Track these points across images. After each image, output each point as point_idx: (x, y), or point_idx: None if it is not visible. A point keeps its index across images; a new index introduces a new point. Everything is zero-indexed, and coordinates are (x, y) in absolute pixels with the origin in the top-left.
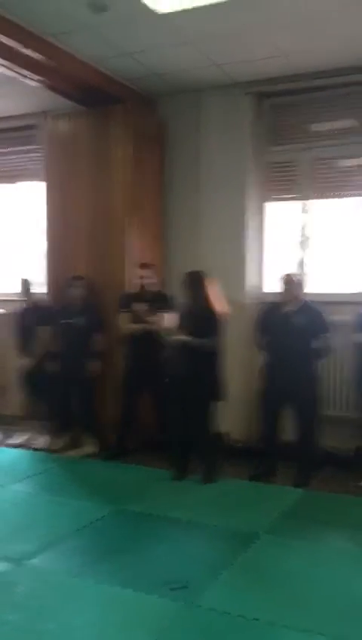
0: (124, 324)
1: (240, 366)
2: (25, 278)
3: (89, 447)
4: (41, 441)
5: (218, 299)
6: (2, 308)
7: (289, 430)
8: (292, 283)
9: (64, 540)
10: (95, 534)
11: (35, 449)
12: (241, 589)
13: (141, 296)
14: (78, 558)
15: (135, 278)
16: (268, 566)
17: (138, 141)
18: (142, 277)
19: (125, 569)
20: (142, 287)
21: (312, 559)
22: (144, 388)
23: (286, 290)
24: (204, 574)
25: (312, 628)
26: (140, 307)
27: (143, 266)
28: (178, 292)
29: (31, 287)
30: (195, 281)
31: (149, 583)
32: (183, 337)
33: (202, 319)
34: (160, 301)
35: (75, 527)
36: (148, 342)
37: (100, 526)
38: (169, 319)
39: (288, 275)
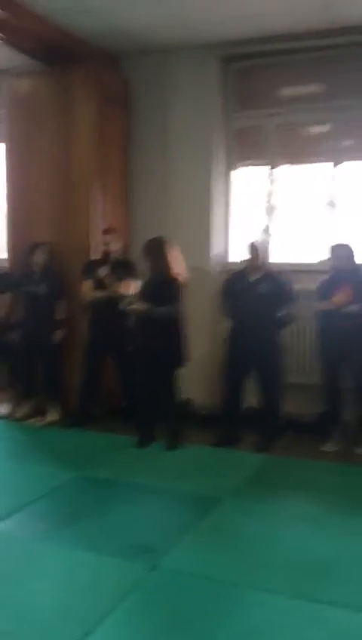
0: (87, 291)
1: (204, 333)
2: None
3: (52, 415)
4: (4, 408)
5: (179, 266)
6: None
7: (252, 397)
8: (257, 250)
9: (27, 505)
10: (58, 500)
11: None
12: (205, 551)
13: (104, 263)
14: (42, 524)
15: (98, 244)
16: (231, 529)
17: (102, 101)
18: (105, 243)
19: (89, 533)
20: (106, 253)
21: (274, 522)
22: (107, 355)
23: (251, 257)
24: (167, 538)
25: (274, 588)
26: (103, 271)
27: (106, 231)
28: (140, 258)
29: None
30: (155, 248)
31: (113, 546)
32: (142, 306)
33: (162, 287)
34: (124, 268)
35: (38, 493)
36: (111, 309)
37: (64, 492)
38: (132, 286)
39: (253, 243)
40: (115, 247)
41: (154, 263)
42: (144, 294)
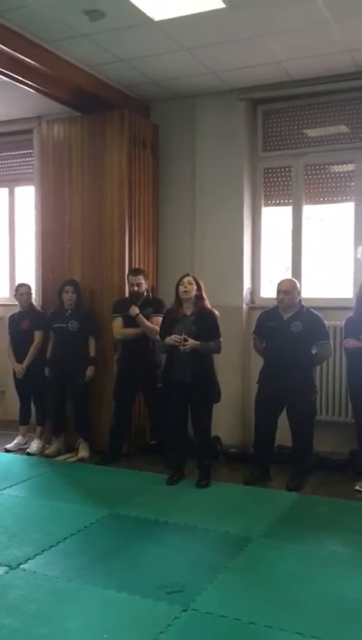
0: (118, 328)
1: (235, 371)
2: (19, 283)
3: (83, 452)
4: (35, 445)
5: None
6: None
7: (283, 435)
8: (288, 289)
9: (59, 544)
10: (90, 538)
11: (29, 454)
12: (237, 592)
13: (134, 301)
14: (73, 562)
15: (128, 284)
16: (262, 569)
17: (133, 146)
18: (133, 284)
19: (120, 573)
20: (135, 293)
21: (306, 562)
22: (136, 392)
23: (283, 296)
24: (199, 578)
25: (307, 631)
26: (133, 310)
27: (135, 271)
28: (171, 296)
29: (25, 292)
30: (199, 284)
31: (145, 586)
32: (196, 342)
33: (208, 322)
34: (153, 306)
35: (69, 531)
36: (140, 346)
37: (95, 530)
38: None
39: (285, 282)
40: (143, 287)
41: (198, 298)
42: (189, 330)
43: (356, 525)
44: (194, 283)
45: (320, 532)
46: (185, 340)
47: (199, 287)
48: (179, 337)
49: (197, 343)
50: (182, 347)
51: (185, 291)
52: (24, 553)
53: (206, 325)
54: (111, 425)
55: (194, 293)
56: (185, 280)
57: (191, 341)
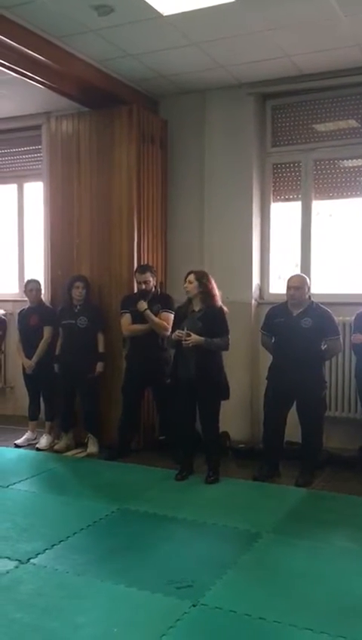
0: (127, 325)
1: (243, 367)
2: (28, 279)
3: (92, 447)
4: (45, 441)
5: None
6: (3, 309)
7: (292, 431)
8: (299, 285)
9: (68, 538)
10: (99, 533)
11: (39, 449)
12: (246, 587)
13: (142, 297)
14: (83, 557)
15: (135, 281)
16: (272, 565)
17: (142, 142)
18: (140, 282)
19: (130, 568)
20: (142, 291)
21: (316, 558)
22: (145, 388)
23: (294, 292)
24: (208, 573)
25: (316, 627)
26: (142, 306)
27: (142, 268)
28: (180, 292)
29: (34, 288)
30: (203, 280)
31: (154, 581)
32: (199, 338)
33: (213, 318)
34: (161, 302)
35: (79, 526)
36: (149, 342)
37: (104, 525)
38: (170, 319)
39: (295, 277)
40: (150, 284)
41: (204, 295)
42: (194, 327)
43: None
44: (195, 280)
45: (330, 528)
46: (188, 335)
47: (202, 284)
48: (182, 332)
49: (201, 338)
50: (184, 342)
51: (186, 290)
52: (34, 548)
53: (212, 322)
54: (120, 420)
55: (197, 290)
56: (187, 278)
57: (193, 336)
